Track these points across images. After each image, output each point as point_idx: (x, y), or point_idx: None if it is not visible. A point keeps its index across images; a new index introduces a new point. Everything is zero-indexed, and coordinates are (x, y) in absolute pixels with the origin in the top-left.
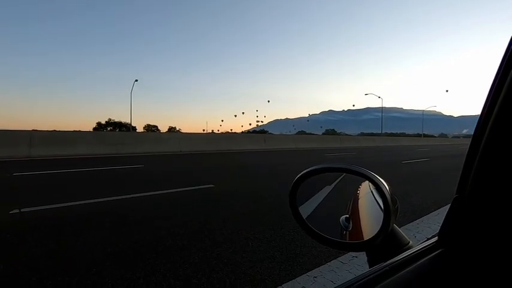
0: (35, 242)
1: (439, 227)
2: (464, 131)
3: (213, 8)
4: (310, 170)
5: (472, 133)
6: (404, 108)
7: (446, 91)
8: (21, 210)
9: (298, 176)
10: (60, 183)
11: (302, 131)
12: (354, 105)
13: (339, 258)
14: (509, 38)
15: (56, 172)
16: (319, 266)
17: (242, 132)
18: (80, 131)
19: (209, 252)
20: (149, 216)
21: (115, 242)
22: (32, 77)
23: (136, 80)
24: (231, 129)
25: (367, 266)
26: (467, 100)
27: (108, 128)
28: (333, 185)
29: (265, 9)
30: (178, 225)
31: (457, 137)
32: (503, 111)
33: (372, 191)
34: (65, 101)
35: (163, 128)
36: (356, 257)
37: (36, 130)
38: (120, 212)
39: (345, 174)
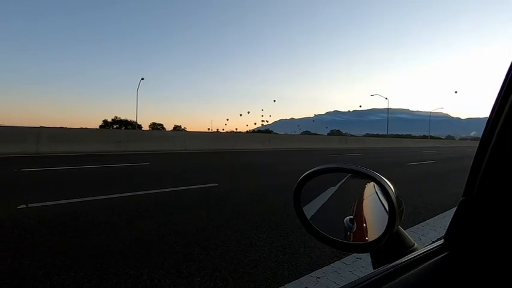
0: (42, 237)
1: (445, 230)
2: (472, 134)
3: (220, 6)
4: (315, 170)
5: (480, 136)
6: (410, 109)
7: (455, 92)
8: (29, 205)
9: (303, 176)
10: (67, 180)
11: (307, 131)
12: (360, 106)
13: (342, 260)
14: None
15: (63, 168)
16: (322, 267)
17: (247, 131)
18: (86, 128)
19: (212, 251)
20: (154, 214)
21: (120, 239)
22: (41, 74)
23: (142, 79)
24: (236, 129)
25: (371, 268)
26: (475, 102)
27: (114, 126)
28: (337, 186)
29: (271, 9)
30: (182, 223)
31: (465, 139)
32: None
33: (376, 193)
34: (72, 99)
35: (169, 127)
36: (360, 258)
37: (44, 127)
38: (125, 209)
39: (349, 175)
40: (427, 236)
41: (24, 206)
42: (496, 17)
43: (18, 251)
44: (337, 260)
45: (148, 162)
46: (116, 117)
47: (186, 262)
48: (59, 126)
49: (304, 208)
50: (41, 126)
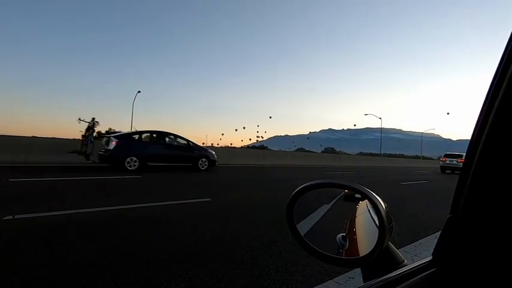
0: (27, 250)
1: None
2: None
3: (218, 23)
4: (307, 186)
5: None
6: (403, 129)
7: (447, 114)
8: (15, 216)
9: (295, 191)
10: (57, 191)
11: (301, 148)
12: (355, 125)
13: (334, 279)
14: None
15: (53, 179)
16: (314, 286)
17: (242, 147)
18: (79, 139)
19: (203, 267)
20: (143, 228)
21: (108, 253)
22: (36, 84)
23: (139, 91)
24: (231, 144)
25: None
26: (466, 124)
27: None
28: (330, 203)
29: (268, 26)
30: (173, 238)
31: None
32: (493, 133)
33: (369, 210)
34: (68, 110)
35: None
36: (352, 278)
37: (36, 137)
38: (114, 222)
39: (343, 193)
40: (419, 256)
41: (11, 217)
42: (491, 40)
43: (1, 263)
44: (329, 280)
45: (141, 175)
46: (110, 129)
47: (175, 279)
48: (51, 137)
49: (298, 224)
50: (32, 136)
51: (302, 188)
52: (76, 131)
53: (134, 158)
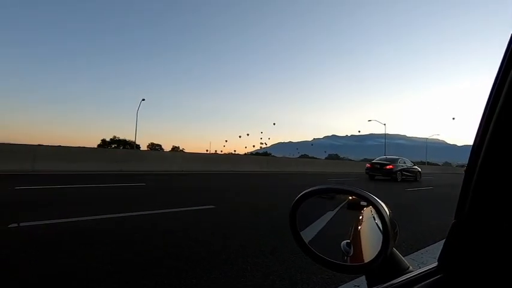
0: (32, 258)
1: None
2: None
3: (222, 31)
4: (310, 191)
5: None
6: (407, 135)
7: (453, 119)
8: (20, 224)
9: (298, 196)
10: (61, 199)
11: (305, 154)
12: (359, 131)
13: (340, 287)
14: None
15: (58, 187)
16: None
17: (245, 153)
18: (84, 147)
19: (206, 276)
20: (148, 235)
21: (111, 262)
22: (41, 92)
23: (143, 99)
24: (235, 150)
25: None
26: (472, 129)
27: (113, 146)
28: (335, 210)
29: (269, 35)
30: (177, 246)
31: (462, 166)
32: (496, 136)
33: (373, 216)
34: (72, 117)
35: (167, 147)
36: (358, 286)
37: (41, 145)
38: (119, 230)
39: (347, 200)
40: (426, 264)
41: (16, 225)
42: (498, 45)
43: (4, 271)
44: None
45: (145, 183)
46: (115, 136)
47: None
48: (57, 145)
49: (303, 232)
50: (38, 144)
51: (305, 193)
52: (78, 138)
53: None
